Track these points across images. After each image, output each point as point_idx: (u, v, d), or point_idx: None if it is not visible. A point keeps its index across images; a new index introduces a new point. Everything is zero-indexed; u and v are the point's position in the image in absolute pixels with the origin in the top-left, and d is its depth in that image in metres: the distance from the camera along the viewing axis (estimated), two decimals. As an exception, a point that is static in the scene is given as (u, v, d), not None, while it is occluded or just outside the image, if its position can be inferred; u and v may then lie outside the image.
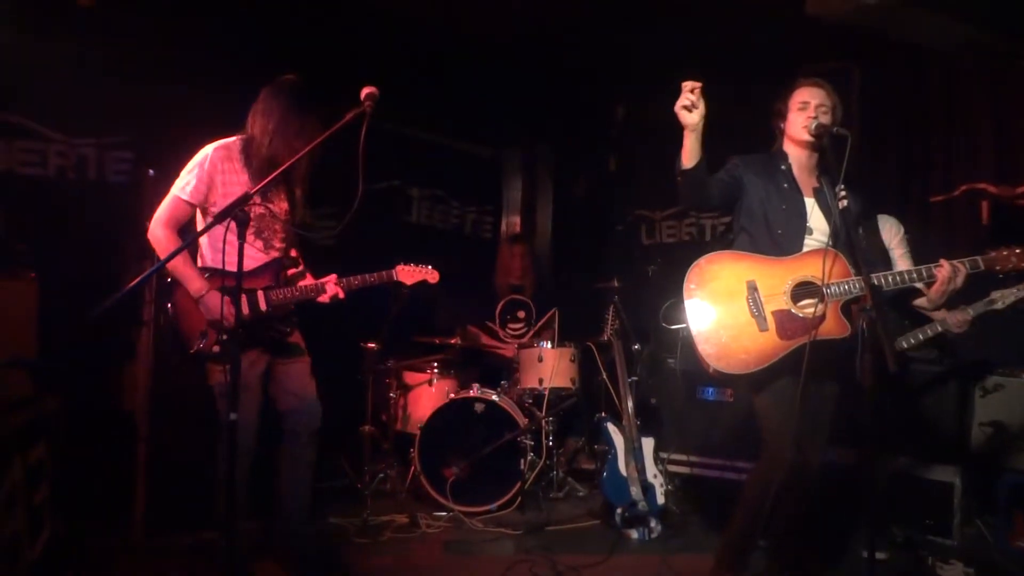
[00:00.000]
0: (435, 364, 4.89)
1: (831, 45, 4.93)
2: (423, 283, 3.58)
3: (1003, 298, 3.60)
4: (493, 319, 5.34)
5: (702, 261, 3.03)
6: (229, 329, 3.01)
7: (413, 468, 4.47)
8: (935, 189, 4.72)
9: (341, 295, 3.29)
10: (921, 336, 3.80)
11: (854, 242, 2.87)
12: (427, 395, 4.81)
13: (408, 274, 3.50)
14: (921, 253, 4.69)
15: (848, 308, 2.87)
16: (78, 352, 3.66)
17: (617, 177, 6.36)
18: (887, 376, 3.73)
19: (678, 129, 2.95)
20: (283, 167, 2.88)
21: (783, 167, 3.06)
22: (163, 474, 3.70)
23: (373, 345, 4.55)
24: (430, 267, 3.56)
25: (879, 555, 3.74)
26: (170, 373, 3.70)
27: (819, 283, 2.84)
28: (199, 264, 3.15)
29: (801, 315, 2.86)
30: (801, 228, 2.98)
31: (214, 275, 3.08)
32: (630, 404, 4.24)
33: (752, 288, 2.93)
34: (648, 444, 4.22)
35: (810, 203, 3.03)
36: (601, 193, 6.43)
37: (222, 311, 2.96)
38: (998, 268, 2.78)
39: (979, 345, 4.30)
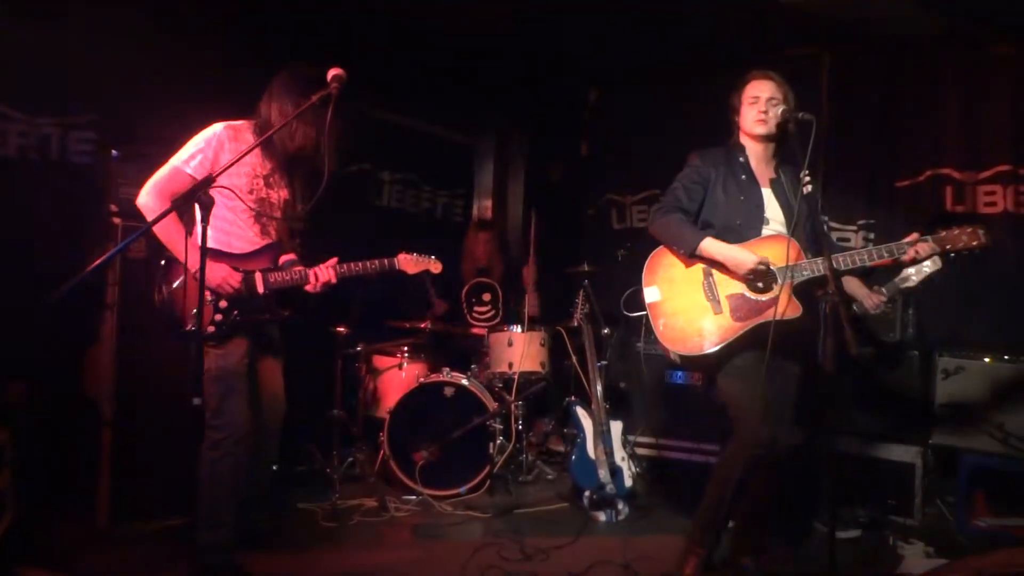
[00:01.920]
0: (405, 348, 4.88)
1: (801, 32, 4.97)
2: (426, 272, 3.43)
3: (917, 273, 3.47)
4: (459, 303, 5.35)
5: (659, 251, 3.18)
6: (224, 308, 3.02)
7: (382, 452, 4.46)
8: (902, 175, 4.78)
9: (333, 280, 3.17)
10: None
11: (817, 227, 2.94)
12: (397, 379, 4.80)
13: (410, 263, 3.35)
14: (890, 238, 4.76)
15: (799, 290, 2.94)
16: (40, 336, 3.61)
17: (589, 162, 6.37)
18: (850, 358, 3.84)
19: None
20: (253, 146, 2.87)
21: (741, 159, 3.14)
22: (129, 460, 3.66)
23: (342, 329, 4.52)
24: (433, 257, 3.42)
25: (846, 534, 3.83)
26: (136, 357, 3.66)
27: (773, 266, 2.94)
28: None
29: (754, 297, 2.98)
30: (758, 218, 3.07)
31: (218, 257, 3.03)
32: (599, 388, 4.26)
33: (707, 273, 3.07)
34: (616, 427, 4.25)
35: (767, 193, 3.11)
36: (573, 178, 6.43)
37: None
38: (948, 247, 2.81)
39: (941, 326, 4.40)
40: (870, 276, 3.63)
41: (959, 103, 4.56)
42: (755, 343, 2.94)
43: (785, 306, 2.90)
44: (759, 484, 3.02)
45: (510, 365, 4.65)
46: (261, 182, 3.13)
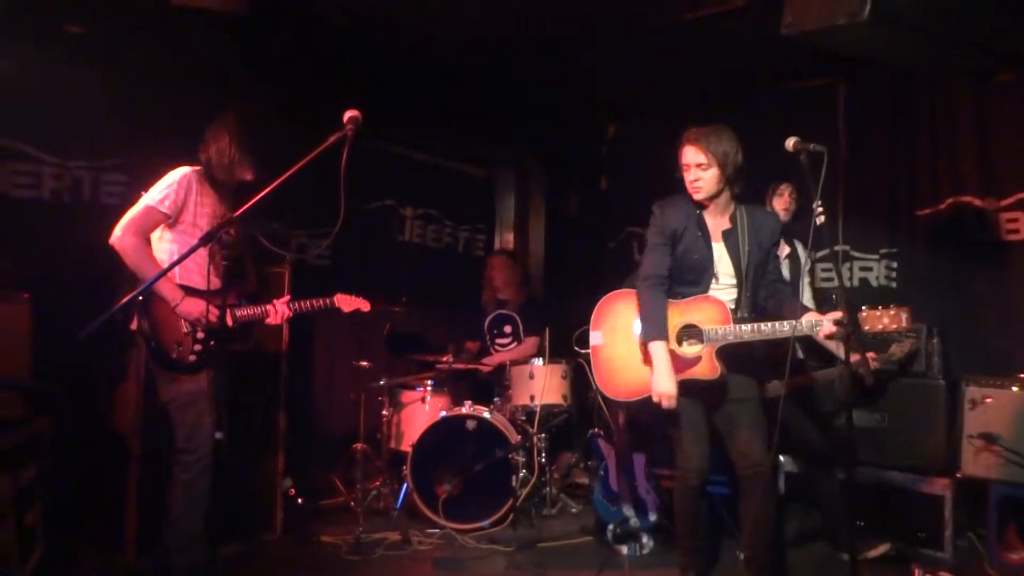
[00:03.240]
0: (429, 382, 4.90)
1: (817, 63, 5.00)
2: (358, 312, 3.71)
3: (900, 350, 3.84)
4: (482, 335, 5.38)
5: (607, 298, 3.42)
6: (203, 339, 3.22)
7: (406, 485, 4.47)
8: (921, 203, 4.75)
9: (289, 314, 3.46)
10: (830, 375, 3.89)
11: (838, 269, 3.11)
12: (420, 413, 4.82)
13: (346, 302, 3.64)
14: (912, 266, 4.75)
15: (722, 353, 3.11)
16: (70, 372, 3.69)
17: (608, 195, 6.41)
18: (875, 391, 3.87)
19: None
20: (270, 187, 2.90)
21: (697, 211, 3.23)
22: (155, 494, 3.70)
23: (366, 363, 4.57)
24: (363, 299, 3.71)
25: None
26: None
27: (701, 327, 3.13)
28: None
29: (680, 353, 3.15)
30: (708, 275, 3.20)
31: (195, 293, 3.22)
32: (621, 420, 4.26)
33: None
34: (640, 460, 4.24)
35: (718, 249, 3.22)
36: (593, 211, 6.47)
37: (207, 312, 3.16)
38: (867, 328, 2.84)
39: (968, 356, 4.35)
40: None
41: (975, 130, 4.52)
42: (691, 392, 3.15)
43: (706, 367, 3.10)
44: (751, 511, 3.19)
45: (532, 398, 4.67)
46: (213, 221, 3.28)
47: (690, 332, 3.16)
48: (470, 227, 6.24)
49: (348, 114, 2.79)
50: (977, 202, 4.53)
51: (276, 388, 4.20)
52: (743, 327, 3.08)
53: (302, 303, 3.50)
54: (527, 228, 6.48)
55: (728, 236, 3.21)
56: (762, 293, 3.26)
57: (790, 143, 2.97)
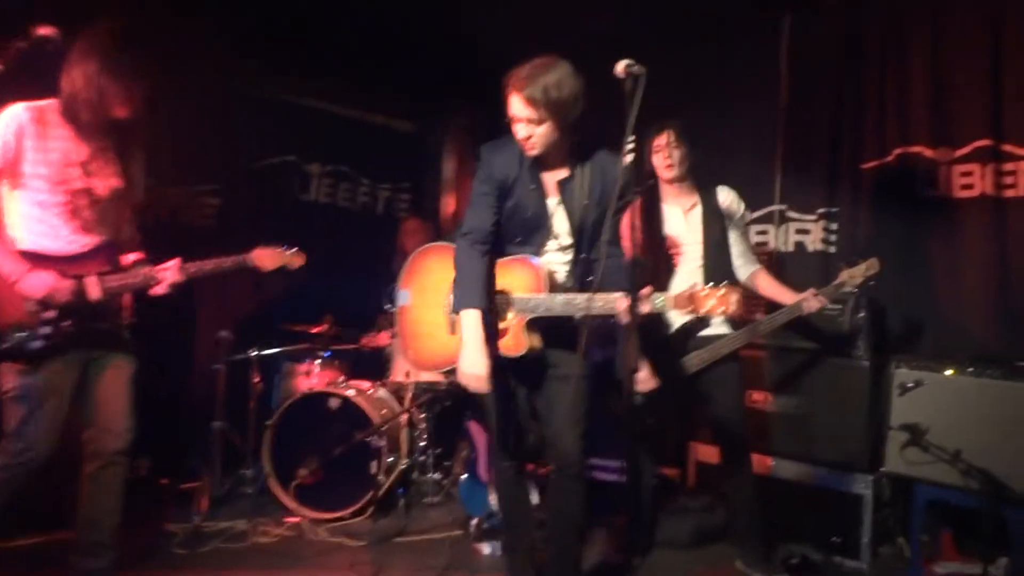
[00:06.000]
0: (318, 354, 4.43)
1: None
2: (283, 269, 3.08)
3: (851, 279, 3.20)
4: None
5: (421, 252, 2.93)
6: (53, 319, 2.60)
7: (265, 468, 4.03)
8: (868, 154, 4.07)
9: (181, 280, 2.80)
10: (776, 322, 3.30)
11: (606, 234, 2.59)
12: (305, 387, 4.36)
13: (266, 258, 2.99)
14: (855, 227, 4.09)
15: (532, 325, 2.65)
16: None
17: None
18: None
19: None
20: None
21: (529, 163, 2.67)
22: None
23: (227, 334, 4.12)
24: (295, 249, 3.07)
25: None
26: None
27: (510, 294, 2.67)
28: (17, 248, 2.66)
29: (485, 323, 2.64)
30: (542, 236, 2.72)
31: (40, 261, 2.61)
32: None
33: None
34: (518, 445, 3.71)
35: (553, 203, 2.71)
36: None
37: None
38: (690, 310, 2.41)
39: (912, 334, 3.73)
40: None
41: (929, 69, 3.82)
42: (511, 367, 2.72)
43: (511, 342, 2.65)
44: (556, 500, 2.78)
45: (408, 374, 4.16)
46: (78, 171, 2.66)
47: (499, 299, 2.68)
48: (391, 186, 5.72)
49: (40, 30, 2.28)
50: (928, 153, 3.85)
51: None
52: (556, 298, 2.60)
53: (202, 264, 2.83)
54: (459, 187, 5.93)
55: (563, 186, 2.67)
56: (593, 254, 2.70)
57: (620, 67, 2.38)
